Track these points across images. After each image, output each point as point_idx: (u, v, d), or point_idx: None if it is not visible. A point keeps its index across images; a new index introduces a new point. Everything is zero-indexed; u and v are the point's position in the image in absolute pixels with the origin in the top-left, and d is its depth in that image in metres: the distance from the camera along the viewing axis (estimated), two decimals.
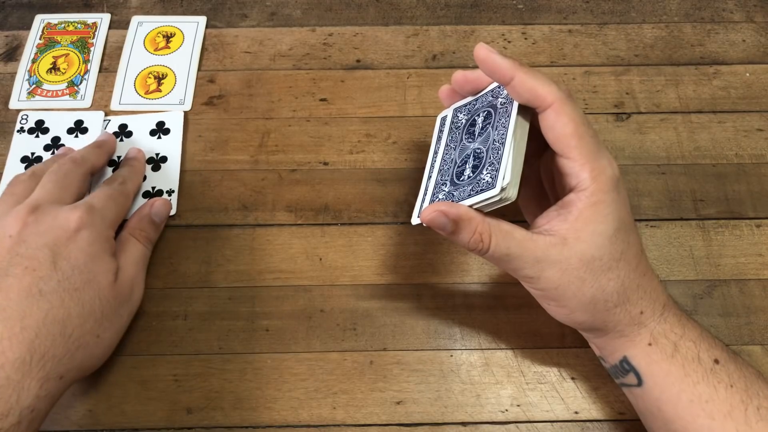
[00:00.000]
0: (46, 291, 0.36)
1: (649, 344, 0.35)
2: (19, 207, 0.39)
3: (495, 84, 0.37)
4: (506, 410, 0.41)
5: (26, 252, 0.37)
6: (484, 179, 0.34)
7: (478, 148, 0.36)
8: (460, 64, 0.53)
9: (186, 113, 0.51)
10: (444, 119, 0.41)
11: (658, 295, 0.36)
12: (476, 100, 0.39)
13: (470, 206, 0.34)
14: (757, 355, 0.42)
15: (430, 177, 0.39)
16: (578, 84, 0.52)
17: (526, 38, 0.55)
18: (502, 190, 0.33)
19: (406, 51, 0.54)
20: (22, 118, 0.50)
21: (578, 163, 0.33)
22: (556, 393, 0.41)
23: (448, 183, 0.37)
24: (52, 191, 0.41)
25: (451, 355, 0.43)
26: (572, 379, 0.42)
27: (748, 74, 0.53)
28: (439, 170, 0.38)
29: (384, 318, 0.44)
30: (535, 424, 0.41)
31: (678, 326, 0.35)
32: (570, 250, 0.33)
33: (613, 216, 0.34)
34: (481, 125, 0.37)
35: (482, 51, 0.34)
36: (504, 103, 0.36)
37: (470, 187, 0.35)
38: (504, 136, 0.34)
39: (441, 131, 0.40)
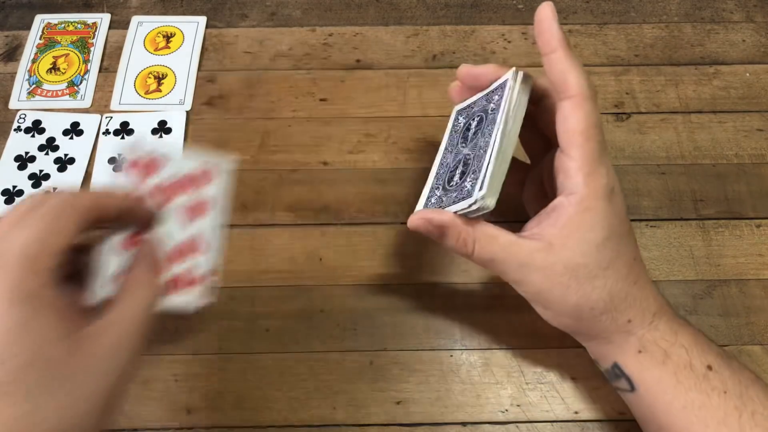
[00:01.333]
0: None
1: (639, 351, 0.35)
2: None
3: (493, 86, 0.37)
4: (506, 410, 0.41)
5: None
6: (465, 187, 0.34)
7: (468, 154, 0.36)
8: (460, 64, 0.53)
9: (186, 113, 0.51)
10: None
11: (649, 303, 0.35)
12: (474, 102, 0.39)
13: (455, 212, 0.34)
14: (757, 355, 0.42)
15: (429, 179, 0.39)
16: None
17: (526, 38, 0.55)
18: (476, 200, 0.33)
19: (406, 51, 0.54)
20: (20, 117, 0.51)
21: (576, 164, 0.33)
22: (556, 393, 0.41)
23: (440, 188, 0.37)
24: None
25: (451, 355, 0.43)
26: (572, 379, 0.42)
27: (748, 74, 0.53)
28: (436, 174, 0.38)
29: (384, 318, 0.44)
30: (535, 424, 0.41)
31: (669, 333, 0.35)
32: (555, 256, 0.33)
33: (602, 224, 0.33)
34: (473, 130, 0.37)
35: (546, 11, 0.33)
36: (494, 109, 0.35)
37: (455, 194, 0.35)
38: (487, 144, 0.34)
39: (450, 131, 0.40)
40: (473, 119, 0.37)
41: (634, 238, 0.35)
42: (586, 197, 0.33)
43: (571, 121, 0.32)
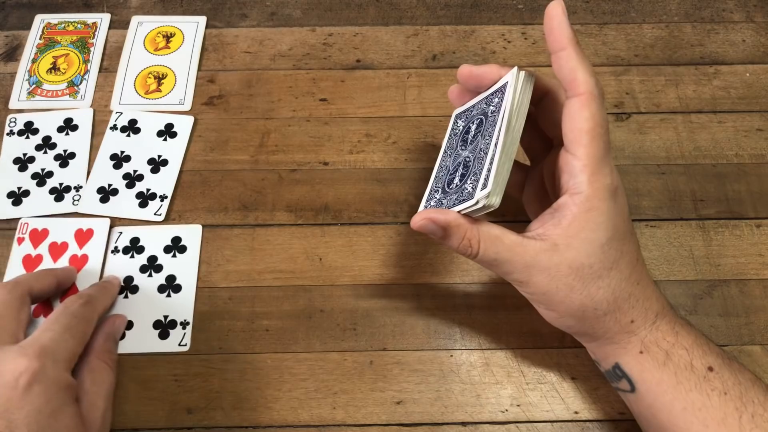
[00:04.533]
0: None
1: (641, 352, 0.35)
2: None
3: (492, 88, 0.37)
4: (506, 410, 0.41)
5: None
6: (466, 189, 0.34)
7: (468, 157, 0.36)
8: (460, 64, 0.53)
9: (194, 120, 0.51)
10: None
11: (651, 303, 0.35)
12: (474, 106, 0.39)
13: (459, 212, 0.34)
14: (757, 355, 0.42)
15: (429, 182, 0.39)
16: None
17: (526, 38, 0.55)
18: (479, 200, 0.33)
19: (406, 51, 0.54)
20: (11, 122, 0.50)
21: (581, 163, 0.33)
22: (556, 393, 0.41)
23: (439, 191, 0.37)
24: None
25: (451, 355, 0.43)
26: (572, 379, 0.42)
27: (748, 74, 0.53)
28: (435, 177, 0.39)
29: (384, 318, 0.44)
30: (535, 424, 0.41)
31: (670, 334, 0.35)
32: (560, 257, 0.33)
33: (606, 225, 0.33)
34: (473, 133, 0.37)
35: (557, 9, 0.33)
36: (494, 111, 0.35)
37: (456, 196, 0.35)
38: (488, 146, 0.34)
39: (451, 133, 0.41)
40: (473, 122, 0.37)
41: (636, 239, 0.36)
42: (590, 197, 0.33)
43: (578, 120, 0.32)
